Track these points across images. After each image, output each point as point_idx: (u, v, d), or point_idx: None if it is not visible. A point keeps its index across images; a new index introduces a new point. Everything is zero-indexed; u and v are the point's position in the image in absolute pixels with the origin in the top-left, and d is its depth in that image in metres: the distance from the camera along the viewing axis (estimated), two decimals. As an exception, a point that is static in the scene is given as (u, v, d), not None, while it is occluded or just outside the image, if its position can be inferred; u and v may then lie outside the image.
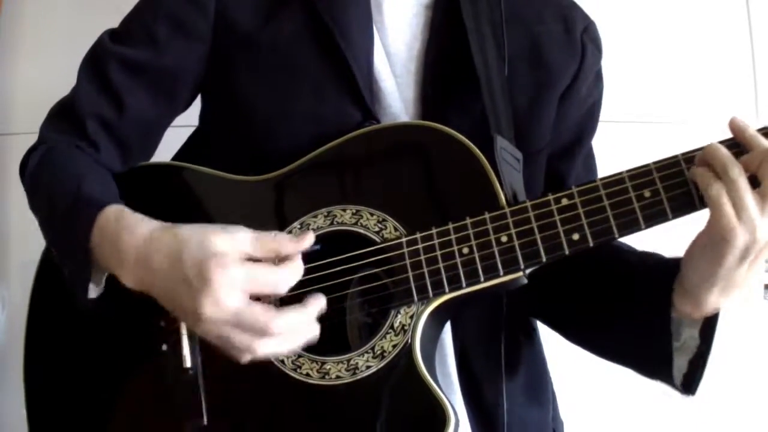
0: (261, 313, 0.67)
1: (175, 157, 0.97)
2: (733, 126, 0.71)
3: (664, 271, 0.78)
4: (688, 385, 0.79)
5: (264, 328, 0.67)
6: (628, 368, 0.85)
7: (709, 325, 0.77)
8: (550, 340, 0.99)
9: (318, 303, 0.71)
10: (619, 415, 1.48)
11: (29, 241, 0.85)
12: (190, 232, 0.69)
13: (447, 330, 0.84)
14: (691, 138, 0.76)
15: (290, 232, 0.80)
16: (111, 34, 0.91)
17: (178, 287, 0.68)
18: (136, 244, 0.71)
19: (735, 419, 1.48)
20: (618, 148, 1.14)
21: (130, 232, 0.72)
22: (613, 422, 1.48)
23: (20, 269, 1.47)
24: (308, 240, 0.72)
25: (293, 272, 0.69)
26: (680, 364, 0.79)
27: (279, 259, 0.70)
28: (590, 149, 1.00)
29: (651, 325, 0.78)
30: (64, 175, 0.82)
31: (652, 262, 0.84)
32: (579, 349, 0.93)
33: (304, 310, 0.70)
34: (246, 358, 0.69)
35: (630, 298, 0.82)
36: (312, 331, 0.70)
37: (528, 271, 0.75)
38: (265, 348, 0.68)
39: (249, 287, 0.67)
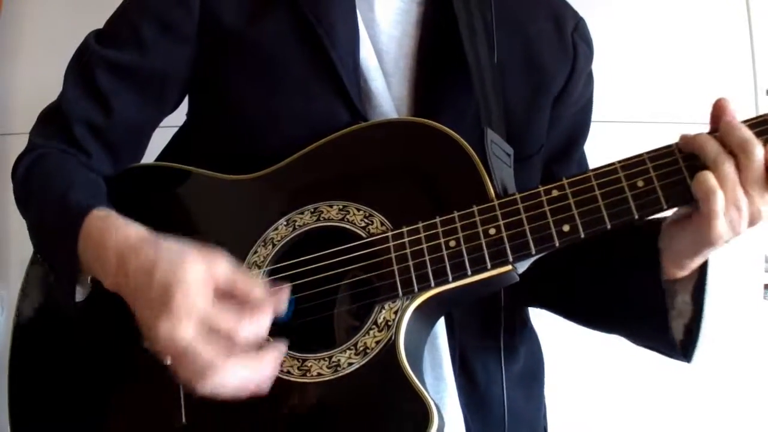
0: (211, 351, 0.62)
1: (161, 155, 0.96)
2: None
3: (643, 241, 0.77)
4: (686, 351, 0.78)
5: (208, 366, 0.62)
6: (629, 340, 0.84)
7: (698, 288, 0.77)
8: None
9: (275, 355, 0.65)
10: (616, 416, 1.48)
11: (29, 241, 0.84)
12: (168, 252, 0.66)
13: (442, 333, 0.83)
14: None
15: (276, 228, 0.79)
16: (97, 36, 0.89)
17: (142, 302, 0.66)
18: (118, 246, 0.70)
19: (735, 419, 1.48)
20: (617, 148, 1.13)
21: (116, 231, 0.71)
22: (605, 424, 1.48)
23: (20, 269, 1.46)
24: (284, 294, 0.68)
25: (256, 326, 0.64)
26: (677, 330, 0.78)
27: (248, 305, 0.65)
28: (582, 151, 0.98)
29: (644, 291, 0.77)
30: (52, 183, 0.81)
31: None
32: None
33: (258, 361, 0.64)
34: (195, 389, 0.63)
35: (620, 268, 0.81)
36: (260, 380, 0.64)
37: (521, 269, 0.74)
38: (205, 385, 0.62)
39: (207, 323, 0.62)
